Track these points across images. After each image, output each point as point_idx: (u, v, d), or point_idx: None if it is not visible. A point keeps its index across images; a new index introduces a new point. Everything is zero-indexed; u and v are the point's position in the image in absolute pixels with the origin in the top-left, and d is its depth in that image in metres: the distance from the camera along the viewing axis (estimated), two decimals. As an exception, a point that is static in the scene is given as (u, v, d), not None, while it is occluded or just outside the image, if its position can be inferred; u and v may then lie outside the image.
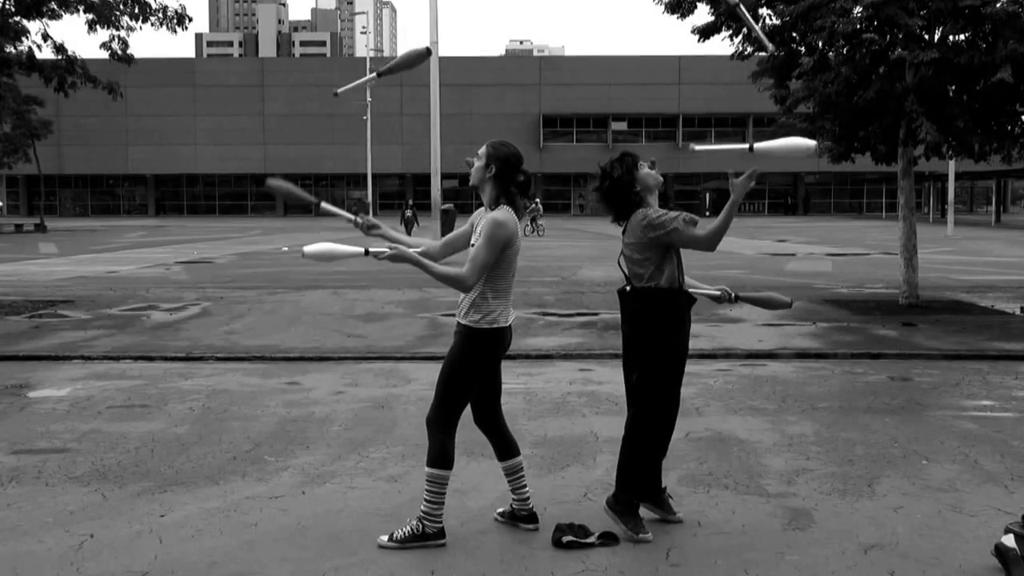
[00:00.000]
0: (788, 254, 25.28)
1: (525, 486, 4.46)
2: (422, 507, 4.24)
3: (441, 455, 4.19)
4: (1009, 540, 3.80)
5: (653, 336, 4.33)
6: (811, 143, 4.15)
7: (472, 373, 4.21)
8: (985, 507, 4.73)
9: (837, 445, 5.94)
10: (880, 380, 8.16)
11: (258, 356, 9.27)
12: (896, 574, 3.93)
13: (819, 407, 7.05)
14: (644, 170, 4.42)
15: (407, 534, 4.21)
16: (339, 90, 4.51)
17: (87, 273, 19.59)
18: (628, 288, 4.43)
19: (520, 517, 4.46)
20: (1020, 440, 6.04)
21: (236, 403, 7.23)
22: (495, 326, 4.14)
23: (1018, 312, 12.35)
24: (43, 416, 6.83)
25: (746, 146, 4.14)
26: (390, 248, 4.00)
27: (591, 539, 4.25)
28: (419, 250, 4.17)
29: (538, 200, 41.67)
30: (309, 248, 4.05)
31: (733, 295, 4.57)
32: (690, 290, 4.49)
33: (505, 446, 4.44)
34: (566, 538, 4.23)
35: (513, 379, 8.13)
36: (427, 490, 4.22)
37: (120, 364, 9.00)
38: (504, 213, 4.10)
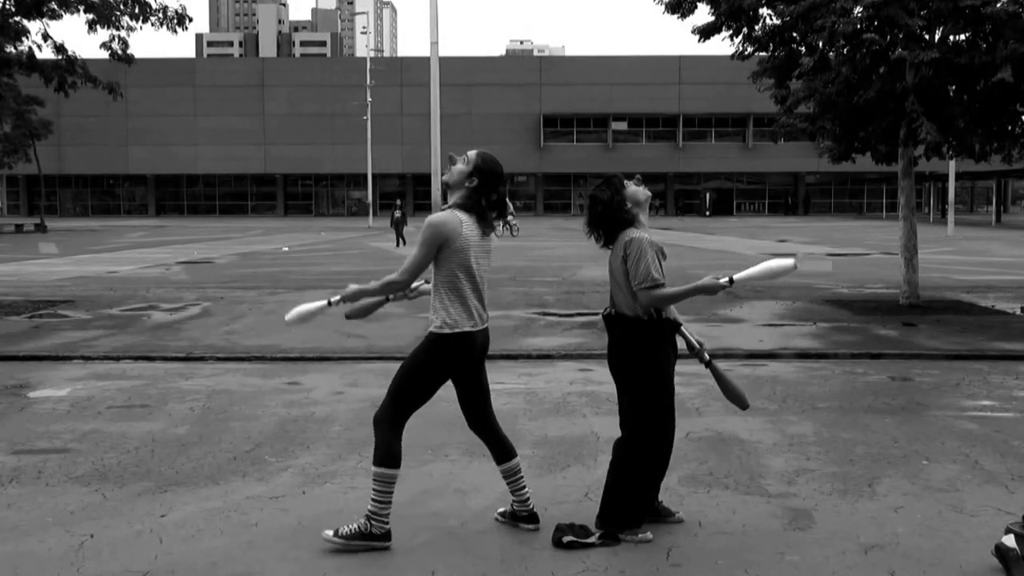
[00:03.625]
0: (788, 254, 25.28)
1: (524, 487, 4.45)
2: (369, 506, 4.19)
3: (388, 454, 4.16)
4: (1009, 540, 3.80)
5: (634, 369, 4.29)
6: (790, 262, 4.06)
7: (427, 377, 4.20)
8: (985, 507, 4.73)
9: (837, 445, 5.94)
10: (880, 380, 8.16)
11: (258, 356, 9.27)
12: (897, 574, 3.92)
13: (819, 407, 7.05)
14: (632, 187, 4.40)
15: (353, 531, 4.17)
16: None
17: (87, 273, 19.59)
18: (612, 312, 4.40)
19: (520, 517, 4.46)
20: (1020, 440, 6.04)
21: (236, 403, 7.23)
22: (457, 331, 4.12)
23: (1018, 312, 12.35)
24: (43, 416, 6.83)
25: (726, 280, 4.10)
26: (342, 295, 4.32)
27: (591, 539, 4.24)
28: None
29: (508, 200, 41.28)
30: (289, 315, 4.53)
31: (708, 359, 4.50)
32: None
33: (502, 449, 4.43)
34: (567, 538, 4.23)
35: (514, 379, 8.13)
36: (374, 489, 4.18)
37: (120, 364, 9.00)
38: (445, 214, 4.14)
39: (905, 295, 12.82)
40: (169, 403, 7.23)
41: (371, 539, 4.16)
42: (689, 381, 7.74)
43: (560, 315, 12.22)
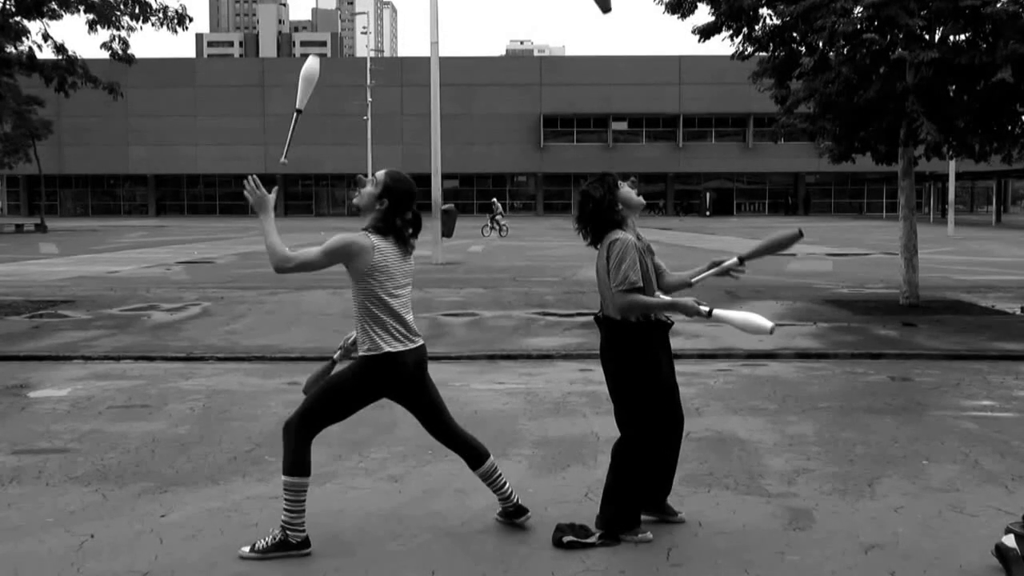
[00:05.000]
0: (789, 254, 25.27)
1: (504, 485, 4.43)
2: (283, 516, 4.14)
3: (296, 462, 4.10)
4: (1010, 540, 3.80)
5: (622, 371, 4.28)
6: (768, 325, 4.07)
7: (350, 397, 4.15)
8: (985, 507, 4.73)
9: (837, 445, 5.94)
10: (880, 380, 8.17)
11: (258, 356, 9.27)
12: (897, 574, 3.93)
13: (819, 407, 7.05)
14: (626, 189, 4.37)
15: (269, 544, 4.11)
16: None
17: (87, 273, 19.59)
18: (601, 314, 4.39)
19: (509, 514, 4.45)
20: (1020, 440, 6.04)
21: (236, 403, 7.23)
22: (382, 351, 4.07)
23: (1018, 312, 12.35)
24: (44, 416, 6.83)
25: (706, 309, 4.10)
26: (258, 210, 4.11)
27: (592, 539, 4.24)
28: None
29: (495, 200, 41.03)
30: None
31: (708, 311, 4.11)
32: (692, 280, 4.39)
33: (473, 454, 4.40)
34: (567, 538, 4.23)
35: (514, 379, 8.14)
36: (285, 499, 4.13)
37: (120, 364, 9.00)
38: (356, 234, 4.07)
39: (905, 295, 12.83)
40: (169, 403, 7.24)
41: (288, 548, 4.11)
42: (689, 381, 7.75)
43: (560, 315, 12.22)
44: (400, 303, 4.14)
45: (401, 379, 4.15)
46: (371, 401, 4.23)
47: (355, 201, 4.19)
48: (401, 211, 4.13)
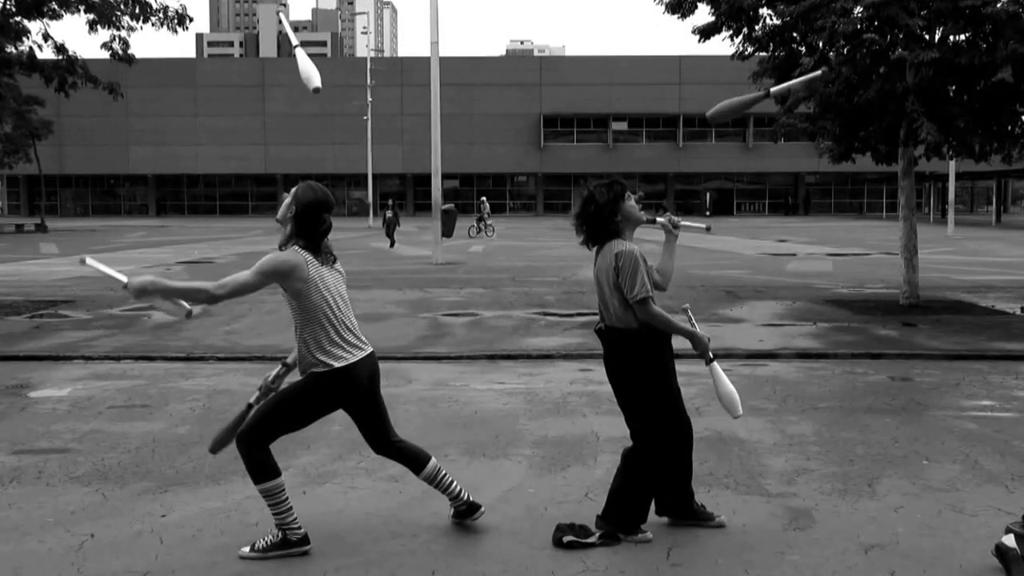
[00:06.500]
0: (789, 254, 25.28)
1: (451, 484, 4.42)
2: (275, 520, 4.15)
3: (259, 468, 4.10)
4: (1010, 540, 3.80)
5: (635, 381, 4.28)
6: (739, 411, 4.38)
7: (304, 410, 4.15)
8: (985, 507, 4.73)
9: (837, 445, 5.94)
10: (880, 380, 8.17)
11: (259, 356, 9.27)
12: (897, 574, 3.93)
13: (820, 407, 7.05)
14: (630, 203, 4.39)
15: (269, 543, 4.13)
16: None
17: (88, 273, 19.59)
18: (602, 327, 4.40)
19: (461, 513, 4.45)
20: (1020, 440, 6.04)
21: (237, 403, 7.21)
22: (332, 368, 4.05)
23: (1018, 312, 12.35)
24: (44, 416, 6.83)
25: (711, 356, 4.37)
26: (129, 282, 3.80)
27: (592, 539, 4.25)
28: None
29: (484, 199, 40.84)
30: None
31: (711, 357, 4.42)
32: (683, 223, 4.61)
33: (415, 462, 4.40)
34: (567, 538, 4.23)
35: (514, 379, 8.14)
36: (268, 504, 4.15)
37: (121, 364, 9.00)
38: (288, 253, 4.05)
39: (905, 295, 12.83)
40: (170, 403, 7.24)
41: (288, 546, 4.13)
42: (689, 381, 7.74)
43: (560, 315, 12.22)
44: (340, 312, 4.12)
45: (355, 392, 4.16)
46: (326, 414, 4.24)
47: (277, 217, 4.19)
48: (314, 220, 4.11)
